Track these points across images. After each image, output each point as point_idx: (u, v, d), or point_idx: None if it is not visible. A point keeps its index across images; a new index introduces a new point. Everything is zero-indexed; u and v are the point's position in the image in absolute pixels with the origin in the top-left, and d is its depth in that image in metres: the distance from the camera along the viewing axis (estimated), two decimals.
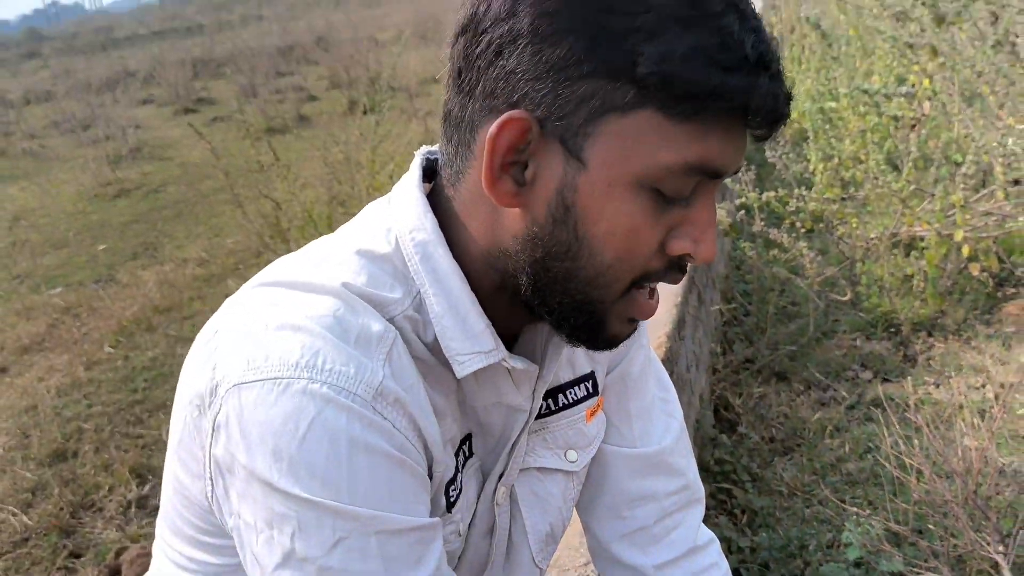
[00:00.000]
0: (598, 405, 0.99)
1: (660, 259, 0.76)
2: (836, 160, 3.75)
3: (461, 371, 0.80)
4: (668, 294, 2.62)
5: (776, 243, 3.27)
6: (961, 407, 2.70)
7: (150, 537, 2.94)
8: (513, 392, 0.88)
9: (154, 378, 4.19)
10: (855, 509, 2.31)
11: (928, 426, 2.19)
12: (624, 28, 0.68)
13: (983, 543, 1.88)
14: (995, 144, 2.90)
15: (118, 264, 6.60)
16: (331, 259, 0.81)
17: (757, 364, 3.26)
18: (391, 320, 0.77)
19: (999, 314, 3.33)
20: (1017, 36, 3.19)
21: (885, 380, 3.08)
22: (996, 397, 2.83)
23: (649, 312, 0.79)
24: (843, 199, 3.44)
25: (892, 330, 3.40)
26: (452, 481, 0.85)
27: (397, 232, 0.81)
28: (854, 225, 3.32)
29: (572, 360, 0.98)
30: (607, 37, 0.68)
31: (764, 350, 3.27)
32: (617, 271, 0.75)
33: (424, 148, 0.88)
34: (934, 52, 3.29)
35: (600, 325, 0.79)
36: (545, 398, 0.95)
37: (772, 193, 3.25)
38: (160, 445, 3.48)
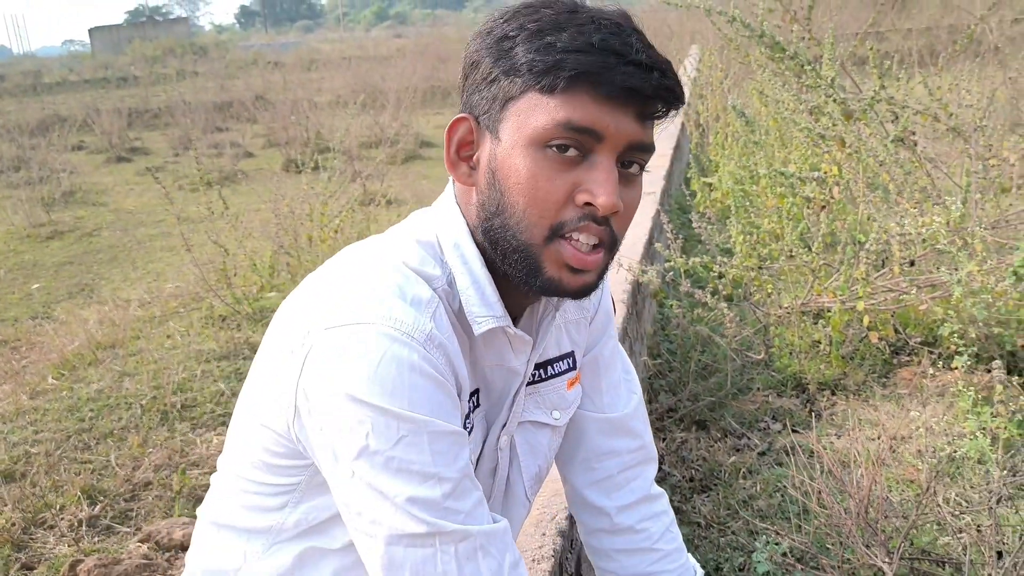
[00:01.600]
0: (576, 378, 1.30)
1: (572, 209, 1.04)
2: (755, 236, 4.15)
3: (478, 329, 1.10)
4: None
5: (700, 304, 3.62)
6: (858, 454, 3.04)
7: (104, 552, 3.07)
8: (512, 357, 1.18)
9: (100, 408, 4.28)
10: (765, 535, 2.61)
11: (829, 466, 2.52)
12: (512, 44, 1.03)
13: (872, 556, 2.19)
14: (893, 226, 3.31)
15: (54, 303, 6.66)
16: (394, 244, 1.12)
17: (679, 413, 3.57)
18: (435, 290, 1.07)
19: (894, 378, 3.71)
20: (914, 133, 3.65)
21: (793, 431, 3.42)
22: (890, 448, 3.19)
23: (580, 262, 1.06)
24: (760, 268, 3.82)
25: (800, 388, 3.75)
26: (467, 416, 1.14)
27: (437, 229, 1.13)
28: (768, 291, 3.69)
29: (559, 341, 1.29)
30: (504, 53, 1.03)
31: (686, 401, 3.59)
32: (532, 215, 1.04)
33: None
34: (843, 143, 3.72)
35: (537, 267, 1.07)
36: (537, 368, 1.25)
37: (697, 259, 3.60)
38: (108, 471, 3.60)
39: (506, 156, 1.04)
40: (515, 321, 1.18)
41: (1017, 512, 2.33)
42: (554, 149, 1.01)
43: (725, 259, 3.74)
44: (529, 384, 1.26)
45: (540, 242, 1.05)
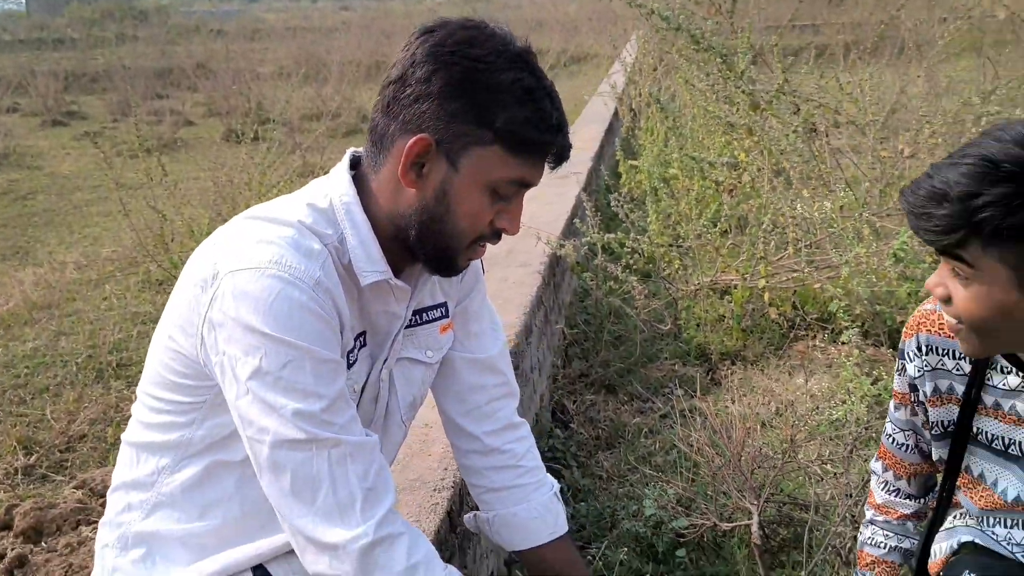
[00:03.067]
0: (449, 325, 1.58)
1: (489, 229, 1.37)
2: (670, 216, 4.43)
3: (364, 281, 1.36)
4: (519, 306, 3.18)
5: (614, 277, 3.89)
6: (746, 416, 3.33)
7: (40, 497, 3.23)
8: (394, 303, 1.45)
9: (35, 365, 4.40)
10: (656, 484, 2.89)
11: (713, 425, 2.81)
12: (491, 99, 1.28)
13: (742, 499, 2.47)
14: (788, 209, 3.60)
15: None
16: (291, 206, 1.38)
17: (591, 378, 3.83)
18: (325, 245, 1.33)
19: (789, 350, 4.02)
20: (814, 125, 3.94)
21: (693, 397, 3.70)
22: (776, 411, 3.49)
23: (480, 255, 1.44)
24: (671, 247, 4.09)
25: (704, 358, 4.04)
26: (352, 351, 1.40)
27: (331, 195, 1.39)
28: (676, 267, 3.97)
29: (433, 293, 1.58)
30: (480, 103, 1.28)
31: (597, 367, 3.85)
32: (466, 233, 1.36)
33: (351, 149, 1.47)
34: (750, 132, 4.00)
35: (453, 262, 1.40)
36: (415, 314, 1.53)
37: (611, 236, 3.86)
38: (44, 424, 3.75)
39: (462, 189, 1.32)
40: (397, 274, 1.43)
41: (864, 461, 2.63)
42: (497, 194, 1.33)
43: (640, 236, 4.01)
44: (408, 327, 1.52)
45: (463, 247, 1.38)
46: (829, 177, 3.90)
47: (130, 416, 1.50)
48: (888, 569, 1.65)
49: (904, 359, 1.51)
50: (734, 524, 2.49)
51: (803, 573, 2.27)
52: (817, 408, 3.46)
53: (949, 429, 1.49)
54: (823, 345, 3.98)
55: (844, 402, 3.27)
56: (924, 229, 1.21)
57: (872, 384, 3.41)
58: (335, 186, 1.39)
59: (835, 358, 3.84)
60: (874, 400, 3.33)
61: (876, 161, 3.97)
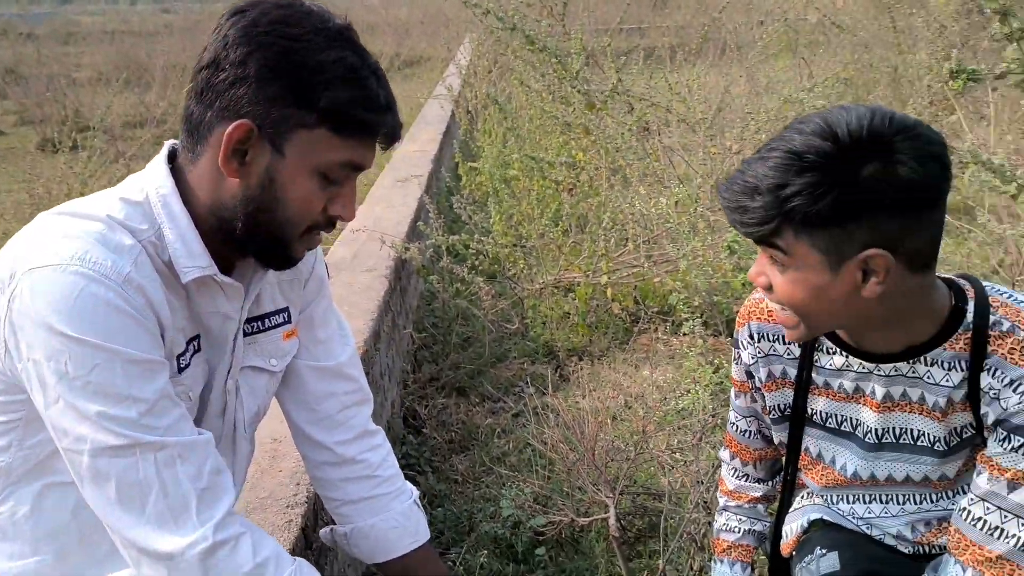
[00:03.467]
0: (292, 331, 1.51)
1: (323, 216, 1.30)
2: (515, 217, 4.45)
3: (184, 277, 1.27)
4: (365, 311, 3.11)
5: (460, 279, 3.87)
6: (596, 411, 3.38)
7: None
8: (225, 303, 1.36)
9: None
10: (512, 484, 2.89)
11: (566, 421, 2.83)
12: (312, 80, 1.21)
13: (598, 492, 2.50)
14: (627, 207, 3.68)
15: None
16: (102, 201, 1.27)
17: (441, 381, 3.80)
18: (139, 242, 1.23)
19: (633, 344, 4.12)
20: (652, 124, 4.05)
21: (544, 394, 3.73)
22: (624, 404, 3.56)
23: (315, 244, 1.36)
24: (515, 247, 4.11)
25: (551, 355, 4.08)
26: (183, 355, 1.31)
27: (147, 188, 1.28)
28: (521, 267, 3.99)
29: (274, 297, 1.50)
30: (301, 84, 1.21)
31: (447, 370, 3.83)
32: (297, 221, 1.28)
33: (169, 140, 1.37)
34: (587, 131, 4.07)
35: (286, 253, 1.32)
36: (255, 321, 1.45)
37: (456, 238, 3.84)
38: None
39: (289, 175, 1.24)
40: (228, 271, 1.35)
41: (713, 448, 2.72)
42: (328, 179, 1.26)
43: (484, 238, 4.00)
44: (249, 335, 1.44)
45: (296, 236, 1.30)
46: (663, 174, 4.02)
47: None
48: (744, 552, 1.69)
49: (739, 348, 1.56)
50: (591, 518, 2.52)
51: (660, 561, 2.31)
52: (664, 399, 3.55)
53: (786, 412, 1.54)
54: (665, 337, 4.09)
55: (689, 391, 3.37)
56: (741, 222, 1.24)
57: (714, 372, 3.53)
58: (151, 179, 1.29)
59: (677, 349, 3.95)
60: (717, 388, 3.45)
61: (707, 158, 4.12)
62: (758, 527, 1.70)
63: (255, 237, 1.28)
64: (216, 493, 1.24)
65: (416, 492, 1.70)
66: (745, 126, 4.48)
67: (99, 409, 1.15)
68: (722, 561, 1.71)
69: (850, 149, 1.16)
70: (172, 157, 1.33)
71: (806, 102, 4.26)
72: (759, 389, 1.55)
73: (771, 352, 1.50)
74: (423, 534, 1.66)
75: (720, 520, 1.75)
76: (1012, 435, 1.29)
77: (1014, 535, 1.29)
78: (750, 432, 1.65)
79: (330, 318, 1.62)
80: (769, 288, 1.30)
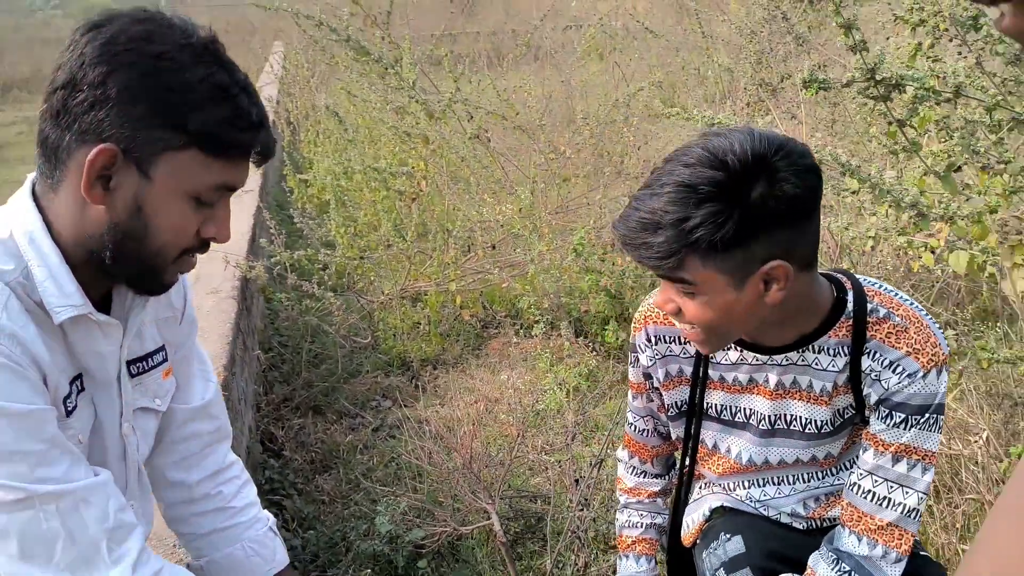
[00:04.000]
0: (169, 369, 1.47)
1: (196, 239, 1.25)
2: (354, 228, 4.40)
3: (57, 318, 1.20)
4: (220, 336, 3.00)
5: (308, 295, 3.79)
6: (460, 419, 3.40)
7: None
8: (103, 342, 1.29)
9: None
10: (384, 499, 2.86)
11: (436, 431, 2.84)
12: (179, 100, 1.16)
13: (478, 500, 2.52)
14: (474, 214, 3.72)
15: None
16: None
17: (295, 401, 3.71)
18: (7, 283, 1.16)
19: (486, 349, 4.17)
20: (488, 131, 4.11)
21: (403, 406, 3.72)
22: (486, 409, 3.60)
23: (189, 268, 1.31)
24: (361, 259, 4.07)
25: (405, 366, 4.06)
26: (68, 397, 1.25)
27: (11, 225, 1.21)
28: (371, 279, 3.96)
29: (153, 337, 1.44)
30: (168, 105, 1.16)
31: (301, 389, 3.74)
32: (170, 248, 1.23)
33: (31, 174, 1.28)
34: (427, 140, 4.09)
35: (159, 279, 1.27)
36: (139, 362, 1.40)
37: (302, 252, 3.77)
38: None
39: (159, 200, 1.18)
40: (106, 305, 1.30)
41: (588, 445, 2.80)
42: (200, 201, 1.21)
43: (328, 251, 3.94)
44: (135, 376, 1.39)
45: (168, 263, 1.25)
46: (505, 180, 4.09)
47: None
48: (648, 545, 1.76)
49: (636, 352, 1.62)
50: (473, 526, 2.54)
51: (547, 561, 2.36)
52: (521, 401, 3.61)
53: (683, 408, 1.62)
54: (517, 340, 4.16)
55: (545, 392, 3.45)
56: (645, 257, 1.29)
57: (567, 372, 3.63)
58: (14, 214, 1.21)
59: (530, 351, 4.03)
60: (572, 387, 3.55)
61: (546, 162, 4.22)
62: (659, 520, 1.78)
63: (125, 266, 1.23)
64: (125, 531, 1.21)
65: (272, 519, 1.67)
66: (578, 130, 4.61)
67: None
68: (627, 556, 1.77)
69: (739, 175, 1.22)
70: (34, 189, 1.25)
71: (632, 105, 4.45)
72: (657, 389, 1.62)
73: (668, 353, 1.57)
74: (281, 560, 1.64)
75: (621, 518, 1.81)
76: (893, 412, 1.41)
77: (901, 503, 1.42)
78: (647, 431, 1.72)
79: (193, 357, 1.58)
80: (677, 313, 1.36)
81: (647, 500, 1.78)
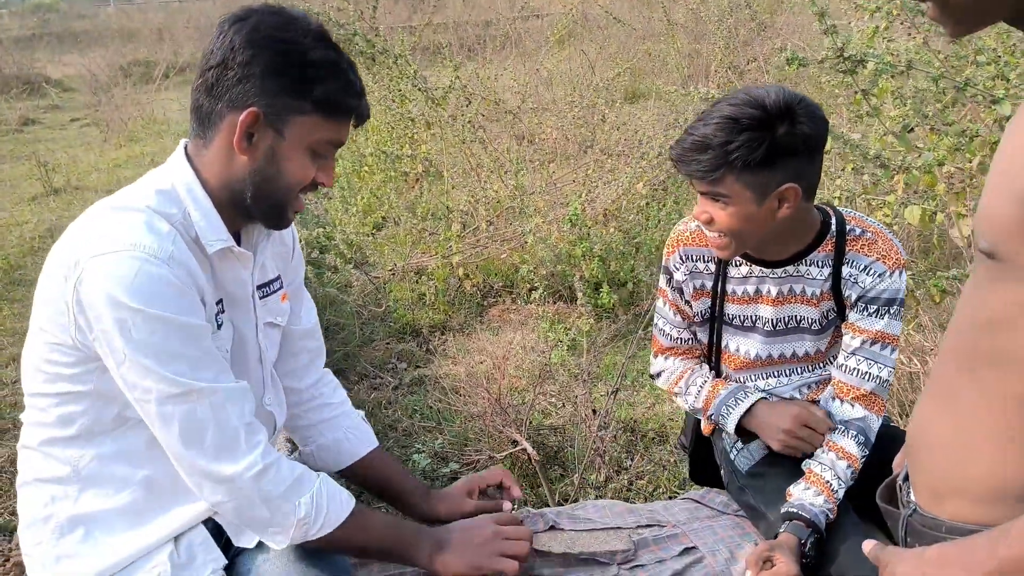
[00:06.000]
0: (285, 294, 1.83)
1: (311, 183, 1.60)
2: (360, 207, 4.75)
3: (211, 250, 1.56)
4: None
5: (329, 268, 4.14)
6: (474, 374, 3.78)
7: None
8: (241, 269, 1.66)
9: None
10: (420, 439, 3.23)
11: (454, 385, 3.20)
12: (306, 75, 1.51)
13: (511, 432, 2.90)
14: (480, 191, 4.09)
15: None
16: (139, 192, 1.55)
17: None
18: (172, 224, 1.52)
19: (487, 315, 4.55)
20: (483, 115, 4.47)
21: (418, 367, 4.08)
22: (495, 366, 3.98)
23: (301, 208, 1.66)
24: (373, 235, 4.42)
25: (415, 333, 4.43)
26: (217, 315, 1.61)
27: (172, 179, 1.57)
28: (384, 253, 4.31)
29: (273, 269, 1.80)
30: (298, 79, 1.51)
31: None
32: (293, 188, 1.59)
33: (184, 139, 1.64)
34: (428, 125, 4.44)
35: (284, 215, 1.63)
36: (262, 287, 1.76)
37: (321, 229, 4.11)
38: None
39: (288, 152, 1.54)
40: (237, 242, 1.66)
41: (595, 387, 3.19)
42: (317, 153, 1.56)
43: (344, 228, 4.29)
44: (262, 298, 1.75)
45: (292, 199, 1.60)
46: (506, 161, 4.46)
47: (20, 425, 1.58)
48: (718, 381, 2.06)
49: (671, 270, 2.01)
50: (506, 452, 2.92)
51: (576, 477, 2.75)
52: (527, 358, 4.00)
53: (706, 316, 2.01)
54: (516, 307, 4.54)
55: (556, 346, 3.84)
56: (694, 170, 1.70)
57: (566, 332, 4.02)
58: (175, 170, 1.57)
59: (529, 316, 4.42)
60: (570, 343, 3.94)
61: (538, 143, 4.59)
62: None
63: (260, 203, 1.58)
64: (256, 427, 1.54)
65: (362, 412, 2.05)
66: (564, 115, 4.99)
67: (159, 364, 1.42)
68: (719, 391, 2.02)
69: (773, 114, 1.64)
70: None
71: (614, 90, 4.83)
72: (688, 301, 2.01)
73: (695, 270, 1.97)
74: (374, 440, 2.00)
75: (691, 393, 2.05)
76: (868, 305, 1.84)
77: (876, 375, 1.85)
78: (681, 338, 2.09)
79: (304, 292, 1.95)
80: (710, 222, 1.76)
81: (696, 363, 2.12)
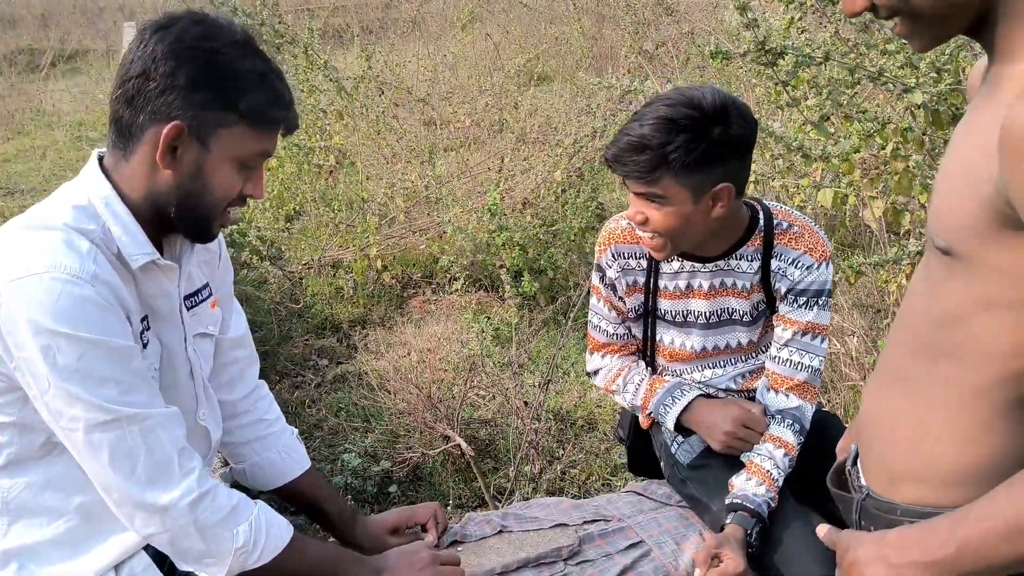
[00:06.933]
0: (215, 301, 1.77)
1: (239, 197, 1.55)
2: (281, 199, 4.64)
3: (135, 264, 1.50)
4: None
5: (245, 265, 4.04)
6: (397, 369, 3.75)
7: None
8: (166, 282, 1.60)
9: None
10: (349, 438, 3.20)
11: (380, 381, 3.17)
12: (230, 85, 1.46)
13: (443, 427, 2.89)
14: (399, 180, 4.05)
15: None
16: (53, 210, 1.48)
17: None
18: (92, 241, 1.45)
19: (408, 308, 4.51)
20: (398, 105, 4.41)
21: (340, 364, 4.03)
22: (420, 360, 3.96)
23: (229, 221, 1.60)
24: (286, 230, 4.33)
25: (335, 328, 4.37)
26: (142, 333, 1.54)
27: (88, 193, 1.50)
28: (298, 249, 4.23)
29: (200, 277, 1.73)
30: (224, 90, 1.46)
31: None
32: (220, 203, 1.53)
33: (96, 150, 1.58)
34: (340, 115, 4.37)
35: (210, 229, 1.57)
36: (191, 296, 1.70)
37: (234, 226, 4.01)
38: None
39: (214, 165, 1.48)
40: (162, 255, 1.59)
41: (522, 377, 3.20)
42: (245, 166, 1.51)
43: (257, 223, 4.19)
44: (190, 308, 1.69)
45: (218, 214, 1.54)
46: (421, 149, 4.42)
47: None
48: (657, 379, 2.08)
49: (604, 268, 2.01)
50: (439, 448, 2.91)
51: (511, 469, 2.75)
52: (452, 350, 3.98)
53: (640, 312, 2.03)
54: (436, 298, 4.52)
55: (477, 337, 3.83)
56: (631, 171, 1.70)
57: (487, 321, 4.02)
58: (90, 183, 1.50)
59: (451, 307, 4.40)
60: (494, 333, 3.94)
61: (457, 130, 4.56)
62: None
63: (185, 218, 1.52)
64: (190, 453, 1.49)
65: (296, 430, 2.00)
66: (475, 101, 4.97)
67: (87, 390, 1.36)
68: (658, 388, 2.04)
69: (709, 116, 1.66)
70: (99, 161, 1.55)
71: (524, 74, 4.82)
72: (621, 297, 2.02)
73: (626, 267, 1.98)
74: (307, 461, 1.95)
75: (628, 392, 2.06)
76: (797, 297, 1.89)
77: (808, 365, 1.91)
78: (618, 334, 2.10)
79: (232, 298, 1.89)
80: (644, 222, 1.77)
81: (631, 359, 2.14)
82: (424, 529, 1.95)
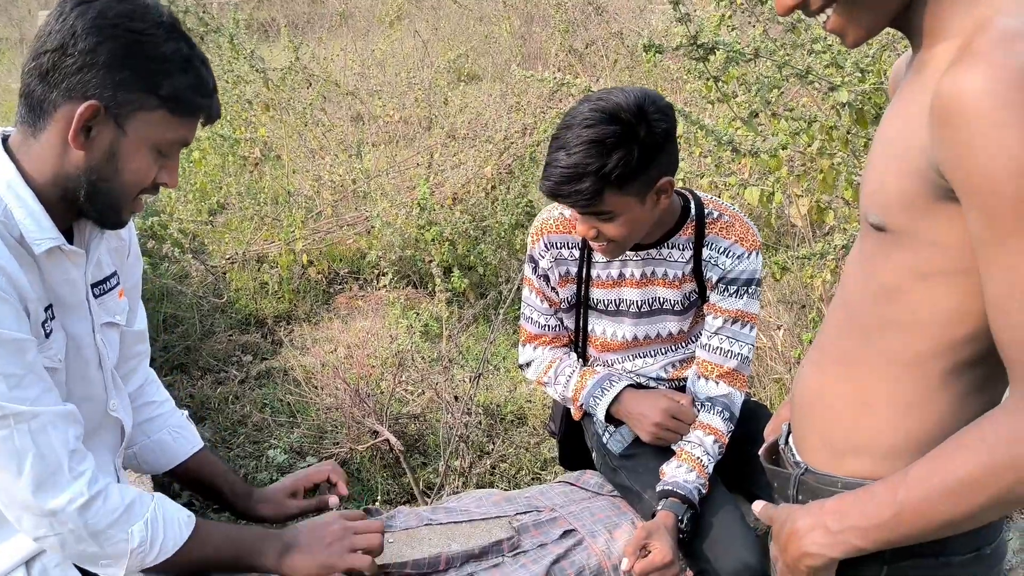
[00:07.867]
0: (122, 292, 1.72)
1: (152, 184, 1.50)
2: (204, 191, 4.53)
3: (38, 249, 1.43)
4: None
5: (165, 258, 3.93)
6: (324, 365, 3.69)
7: None
8: (72, 269, 1.53)
9: None
10: (275, 434, 3.13)
11: (306, 376, 3.12)
12: (153, 68, 1.41)
13: (372, 423, 2.85)
14: (326, 174, 3.98)
15: None
16: None
17: (157, 363, 3.86)
18: None
19: (334, 303, 4.45)
20: (326, 98, 4.35)
21: (264, 359, 3.95)
22: (348, 355, 3.90)
23: (140, 209, 1.57)
24: (209, 223, 4.23)
25: (260, 324, 4.28)
26: (45, 322, 1.48)
27: None
28: (222, 242, 4.13)
29: (108, 264, 1.68)
30: (144, 71, 1.41)
31: (160, 352, 3.89)
32: (133, 189, 1.48)
33: (1, 128, 1.51)
34: (266, 107, 4.28)
35: (120, 215, 1.52)
36: (99, 285, 1.64)
37: (155, 219, 3.90)
38: None
39: (130, 150, 1.43)
40: (70, 242, 1.53)
41: (452, 372, 3.18)
42: (161, 153, 1.46)
43: (180, 216, 4.08)
44: (98, 296, 1.63)
45: (129, 200, 1.49)
46: (350, 143, 4.36)
47: None
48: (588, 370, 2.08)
49: (536, 259, 2.00)
50: (368, 443, 2.86)
51: (441, 464, 2.73)
52: (380, 345, 3.94)
53: (573, 303, 2.03)
54: (364, 294, 4.47)
55: (405, 333, 3.80)
56: (575, 201, 1.69)
57: (416, 316, 3.99)
58: None
59: (378, 302, 4.35)
60: (423, 328, 3.91)
61: (386, 125, 4.51)
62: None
63: (95, 202, 1.46)
64: (82, 455, 1.43)
65: (186, 412, 1.97)
66: (402, 97, 4.93)
67: None
68: (588, 378, 2.03)
69: (630, 123, 1.65)
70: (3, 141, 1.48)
71: (454, 71, 4.80)
72: (554, 288, 2.02)
73: (559, 257, 1.98)
74: (199, 442, 1.91)
75: (560, 383, 2.06)
76: (728, 286, 1.91)
77: (738, 353, 1.93)
78: (549, 325, 2.10)
79: (138, 290, 1.84)
80: (596, 236, 1.77)
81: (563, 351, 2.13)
82: (331, 483, 1.89)
